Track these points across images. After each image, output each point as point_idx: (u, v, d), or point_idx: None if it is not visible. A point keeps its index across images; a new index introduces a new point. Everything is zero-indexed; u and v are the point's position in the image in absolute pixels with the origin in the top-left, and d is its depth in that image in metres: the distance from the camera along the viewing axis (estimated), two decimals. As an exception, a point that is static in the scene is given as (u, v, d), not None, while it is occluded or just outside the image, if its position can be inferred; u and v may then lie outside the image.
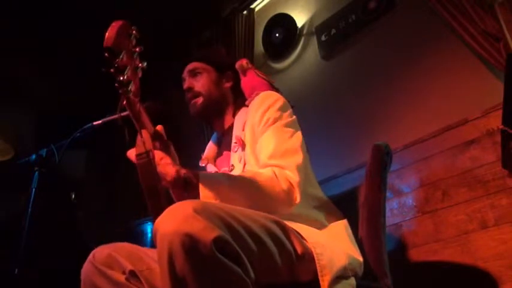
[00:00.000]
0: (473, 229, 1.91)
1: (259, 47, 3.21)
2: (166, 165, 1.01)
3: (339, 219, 1.30)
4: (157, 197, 0.97)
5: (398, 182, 2.21)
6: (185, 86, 1.45)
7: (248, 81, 1.50)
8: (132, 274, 1.10)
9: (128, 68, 0.88)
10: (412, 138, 2.23)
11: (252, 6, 3.32)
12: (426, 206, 2.09)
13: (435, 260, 2.00)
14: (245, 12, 3.30)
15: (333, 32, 2.79)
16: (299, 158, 1.21)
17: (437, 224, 2.03)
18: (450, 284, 1.93)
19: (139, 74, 0.95)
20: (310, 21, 3.01)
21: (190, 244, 0.77)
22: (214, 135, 1.56)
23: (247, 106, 1.40)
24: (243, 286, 0.82)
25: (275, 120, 1.27)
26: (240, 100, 1.49)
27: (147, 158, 0.97)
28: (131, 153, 1.05)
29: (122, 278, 1.10)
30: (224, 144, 1.46)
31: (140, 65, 0.94)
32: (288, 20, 3.06)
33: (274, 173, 1.15)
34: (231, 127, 1.43)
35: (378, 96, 2.49)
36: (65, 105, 3.61)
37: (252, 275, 0.85)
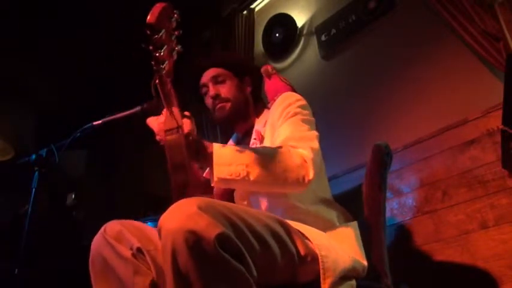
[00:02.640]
0: (473, 229, 1.92)
1: (259, 47, 3.21)
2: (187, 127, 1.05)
3: (350, 221, 1.31)
4: (183, 174, 1.00)
5: (398, 182, 2.21)
6: (211, 92, 1.45)
7: (272, 84, 1.60)
8: (139, 251, 1.11)
9: (165, 47, 0.93)
10: (412, 138, 2.23)
11: (252, 6, 3.31)
12: (426, 206, 2.09)
13: (435, 260, 2.00)
14: (245, 12, 3.30)
15: (333, 32, 2.79)
16: (315, 144, 1.24)
17: (437, 224, 2.03)
18: (450, 284, 1.93)
19: (175, 57, 0.98)
20: (310, 21, 3.00)
21: (194, 241, 0.78)
22: (234, 136, 1.58)
23: (269, 109, 1.43)
24: (245, 284, 0.82)
25: (294, 114, 1.30)
26: (260, 104, 1.53)
27: (177, 133, 1.00)
28: (151, 121, 1.10)
29: (128, 253, 1.11)
30: (244, 144, 1.48)
31: (177, 48, 0.98)
32: (288, 20, 3.06)
33: (288, 149, 1.17)
34: (252, 128, 1.46)
35: (378, 96, 2.49)
36: (65, 105, 3.61)
37: (255, 273, 0.85)
